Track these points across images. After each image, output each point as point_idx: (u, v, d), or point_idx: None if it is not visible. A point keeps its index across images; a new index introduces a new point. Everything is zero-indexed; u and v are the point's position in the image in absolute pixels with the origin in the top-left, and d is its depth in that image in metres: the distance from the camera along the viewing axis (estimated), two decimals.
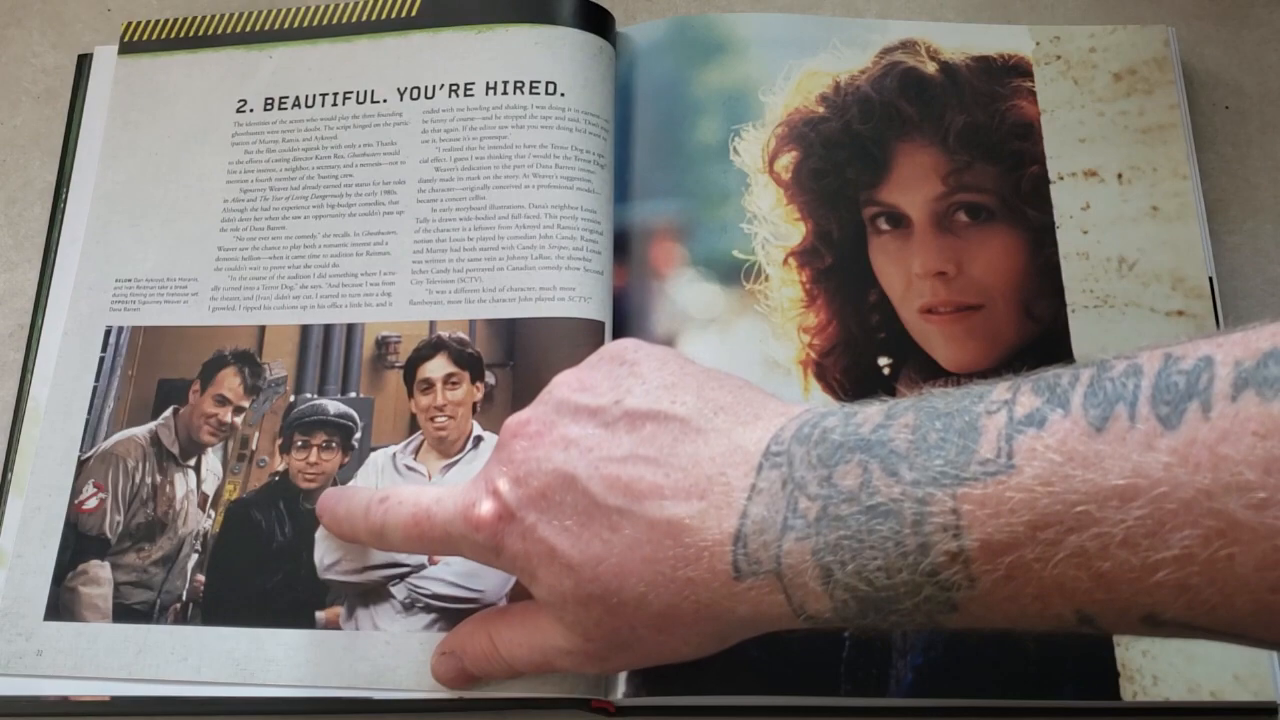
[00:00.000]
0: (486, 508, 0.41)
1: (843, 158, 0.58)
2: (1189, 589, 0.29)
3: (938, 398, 0.35)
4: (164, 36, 0.62)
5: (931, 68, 0.59)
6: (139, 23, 0.63)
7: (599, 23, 0.60)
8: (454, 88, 0.59)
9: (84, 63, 0.63)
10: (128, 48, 0.62)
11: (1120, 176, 0.56)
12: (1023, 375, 0.34)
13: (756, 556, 0.36)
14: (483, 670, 0.45)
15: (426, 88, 0.60)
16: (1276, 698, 0.47)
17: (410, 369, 0.54)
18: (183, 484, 0.53)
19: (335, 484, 0.52)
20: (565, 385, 0.42)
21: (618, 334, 0.55)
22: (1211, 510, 0.28)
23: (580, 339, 0.53)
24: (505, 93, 0.58)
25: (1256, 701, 0.47)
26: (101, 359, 0.55)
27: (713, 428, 0.38)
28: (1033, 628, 0.33)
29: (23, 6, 0.66)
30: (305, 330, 0.55)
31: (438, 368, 0.54)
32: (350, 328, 0.55)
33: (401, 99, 0.60)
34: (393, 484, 0.51)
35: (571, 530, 0.39)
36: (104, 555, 0.51)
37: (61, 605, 0.50)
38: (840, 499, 0.34)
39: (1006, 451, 0.32)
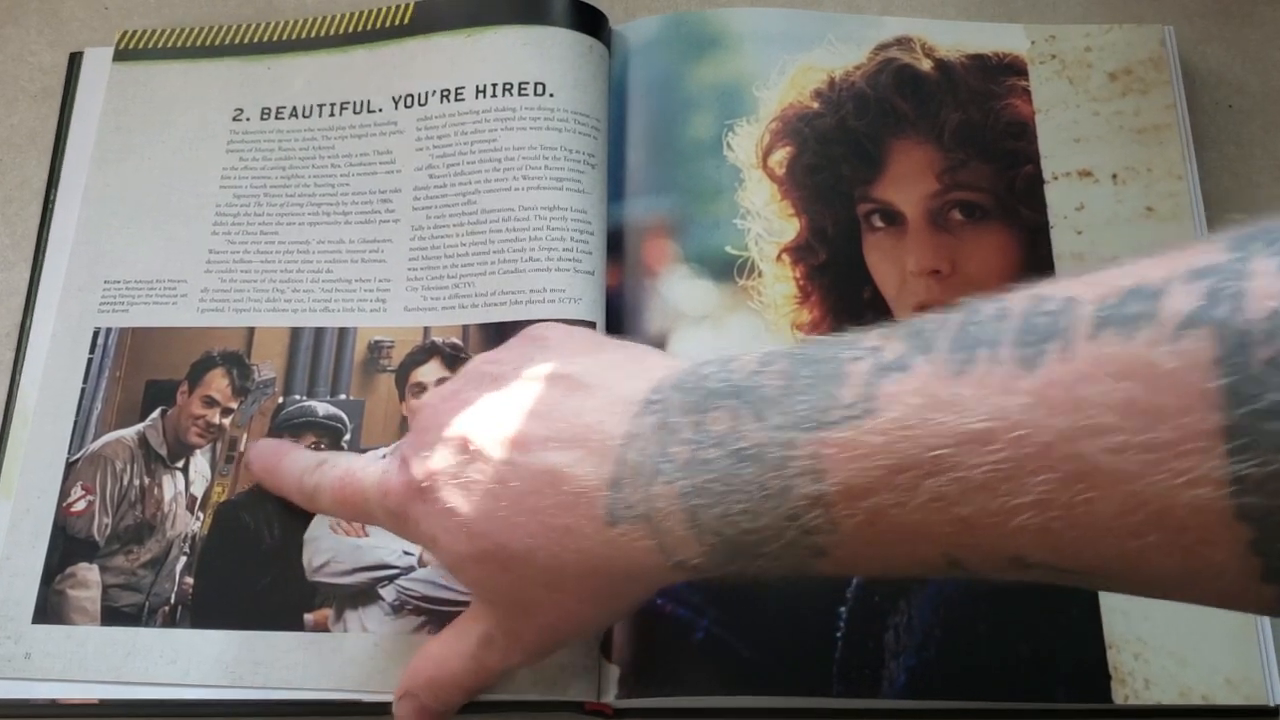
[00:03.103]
0: (395, 476, 0.42)
1: (837, 154, 0.57)
2: (1051, 533, 0.28)
3: (813, 345, 0.35)
4: (160, 45, 0.62)
5: (927, 65, 0.58)
6: (135, 32, 0.63)
7: (590, 22, 0.59)
8: (445, 93, 0.59)
9: (75, 61, 0.63)
10: (123, 55, 0.62)
11: (1115, 177, 0.56)
12: (898, 322, 0.34)
13: (628, 501, 0.36)
14: (436, 699, 0.44)
15: (419, 95, 0.59)
16: (1269, 701, 0.46)
17: (403, 373, 0.54)
18: (171, 486, 0.52)
19: None
20: (480, 359, 0.44)
21: (611, 333, 0.54)
22: (1069, 454, 0.27)
23: None
24: (494, 95, 0.58)
25: (1248, 705, 0.46)
26: (90, 360, 0.55)
27: (600, 383, 0.39)
28: (905, 573, 0.33)
29: (20, 5, 0.66)
30: (295, 332, 0.55)
31: (430, 371, 0.54)
32: (342, 331, 0.55)
33: (396, 107, 0.59)
34: None
35: (466, 488, 0.39)
36: (92, 558, 0.51)
37: (50, 608, 0.50)
38: (709, 443, 0.34)
39: (868, 396, 0.31)
